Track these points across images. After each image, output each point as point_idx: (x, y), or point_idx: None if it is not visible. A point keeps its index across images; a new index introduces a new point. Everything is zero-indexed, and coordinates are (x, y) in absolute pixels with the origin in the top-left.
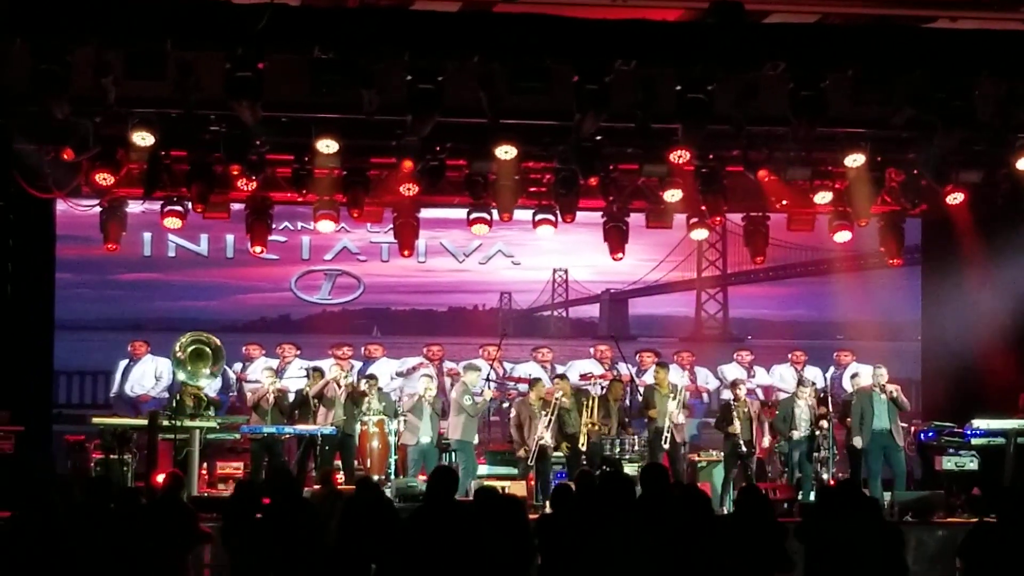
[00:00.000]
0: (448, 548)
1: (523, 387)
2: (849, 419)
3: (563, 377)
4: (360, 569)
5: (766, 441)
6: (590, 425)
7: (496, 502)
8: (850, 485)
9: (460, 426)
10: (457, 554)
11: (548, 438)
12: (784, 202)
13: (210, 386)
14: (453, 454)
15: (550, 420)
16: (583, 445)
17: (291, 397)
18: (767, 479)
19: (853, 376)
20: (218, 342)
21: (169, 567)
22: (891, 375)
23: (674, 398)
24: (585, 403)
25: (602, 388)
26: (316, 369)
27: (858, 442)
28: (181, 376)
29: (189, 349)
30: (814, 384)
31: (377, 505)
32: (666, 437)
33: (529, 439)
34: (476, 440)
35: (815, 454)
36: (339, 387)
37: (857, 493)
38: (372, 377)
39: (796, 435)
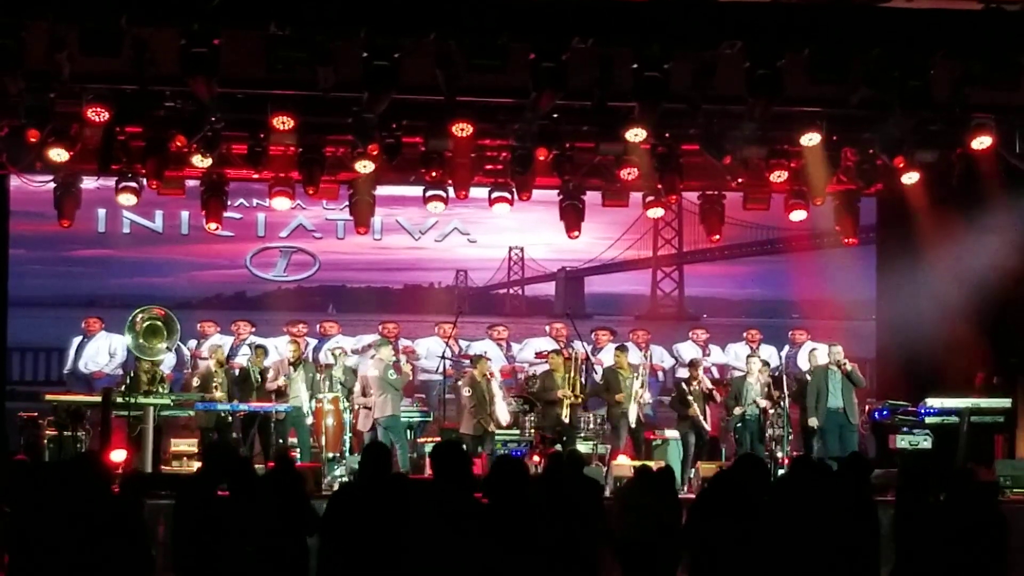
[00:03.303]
0: (376, 525)
1: None
2: (805, 398)
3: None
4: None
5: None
6: (572, 398)
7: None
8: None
9: (388, 403)
10: (382, 530)
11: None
12: (740, 180)
13: (164, 363)
14: (385, 432)
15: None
16: (566, 417)
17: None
18: (721, 458)
19: (812, 351)
20: (168, 313)
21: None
22: (846, 354)
23: (637, 378)
24: (566, 375)
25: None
26: (259, 347)
27: (813, 422)
28: (133, 346)
29: (144, 325)
30: (767, 363)
31: (289, 483)
32: (635, 418)
33: (480, 414)
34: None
35: (768, 432)
36: (294, 369)
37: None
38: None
39: (739, 411)
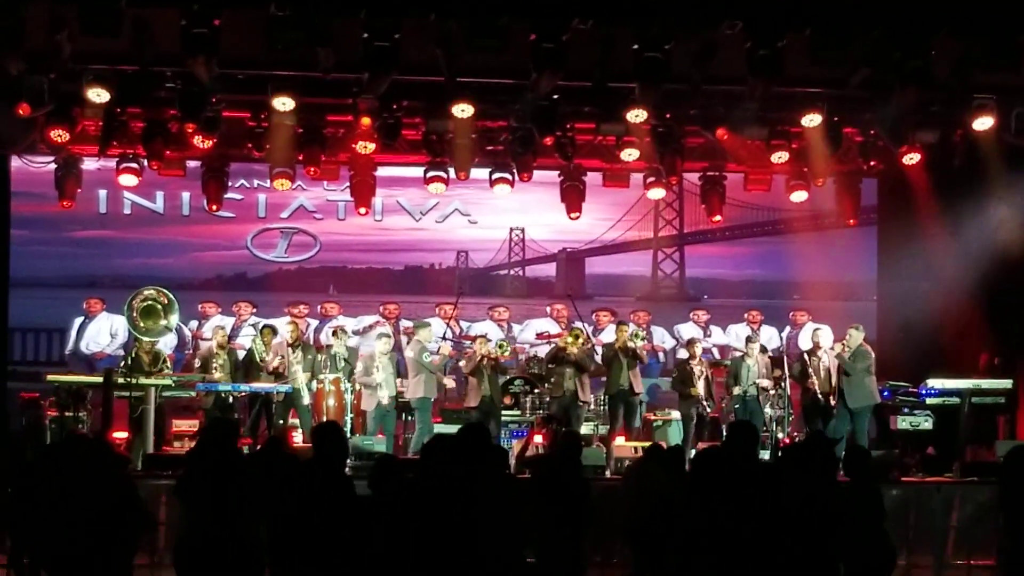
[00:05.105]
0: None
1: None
2: (809, 379)
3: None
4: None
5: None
6: (575, 345)
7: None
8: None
9: (421, 384)
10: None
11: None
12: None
13: (165, 343)
14: (413, 413)
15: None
16: (572, 383)
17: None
18: (722, 438)
19: (814, 331)
20: (170, 295)
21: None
22: (843, 336)
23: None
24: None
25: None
26: (268, 326)
27: (832, 400)
28: (129, 325)
29: (142, 305)
30: (765, 349)
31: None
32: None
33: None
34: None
35: (768, 413)
36: (292, 350)
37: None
38: (340, 331)
39: (737, 391)
